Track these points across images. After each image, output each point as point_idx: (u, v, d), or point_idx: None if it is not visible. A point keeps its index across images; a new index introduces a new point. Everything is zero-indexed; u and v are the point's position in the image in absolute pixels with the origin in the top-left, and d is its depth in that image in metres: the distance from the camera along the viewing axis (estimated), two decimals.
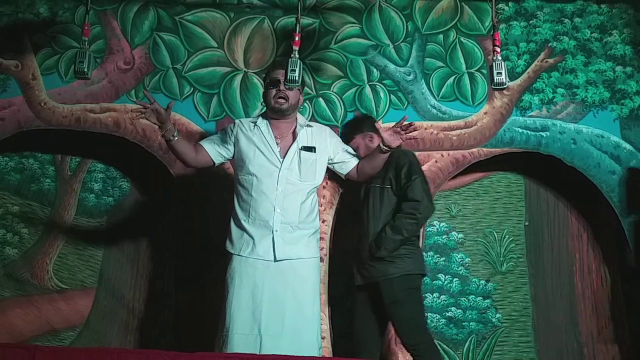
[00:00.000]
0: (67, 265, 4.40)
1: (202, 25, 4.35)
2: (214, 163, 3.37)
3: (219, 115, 4.26)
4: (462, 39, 4.37)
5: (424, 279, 3.88)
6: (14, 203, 4.44)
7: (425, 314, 3.87)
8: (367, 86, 4.32)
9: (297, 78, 3.20)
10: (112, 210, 4.51)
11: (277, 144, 3.24)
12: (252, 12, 4.35)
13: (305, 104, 4.22)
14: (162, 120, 3.19)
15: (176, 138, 3.23)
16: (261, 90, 4.21)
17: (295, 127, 3.30)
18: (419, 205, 3.48)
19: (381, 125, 3.36)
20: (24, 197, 4.46)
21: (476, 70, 4.34)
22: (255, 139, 3.24)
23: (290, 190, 3.17)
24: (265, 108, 3.46)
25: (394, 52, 4.36)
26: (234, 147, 3.30)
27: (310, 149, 3.26)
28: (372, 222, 3.57)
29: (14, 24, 4.26)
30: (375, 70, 4.34)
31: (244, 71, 4.33)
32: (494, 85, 3.42)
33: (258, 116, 3.36)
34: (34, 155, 4.51)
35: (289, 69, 3.19)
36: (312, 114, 4.26)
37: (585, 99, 4.29)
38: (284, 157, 3.20)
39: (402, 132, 3.21)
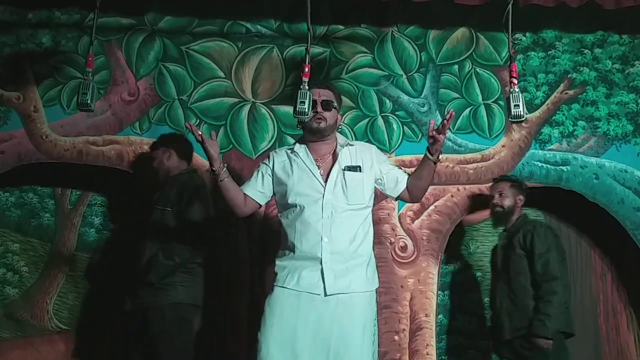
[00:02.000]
0: (67, 305, 4.39)
1: (209, 55, 4.38)
2: (260, 205, 3.23)
3: (226, 148, 4.24)
4: (478, 69, 4.40)
5: (439, 318, 3.85)
6: (14, 240, 4.45)
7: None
8: (380, 117, 4.34)
9: (306, 111, 3.14)
10: (112, 246, 4.47)
11: (319, 167, 3.08)
12: (260, 41, 4.37)
13: None
14: (216, 153, 3.04)
15: (226, 178, 3.06)
16: (270, 121, 4.31)
17: (336, 147, 3.14)
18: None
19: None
20: (24, 234, 4.46)
21: (493, 102, 4.36)
22: (294, 165, 3.09)
23: (337, 216, 2.98)
24: (301, 132, 3.26)
25: (407, 83, 4.39)
26: (272, 180, 3.15)
27: (355, 168, 3.09)
28: (148, 244, 3.57)
29: (16, 55, 4.29)
30: (387, 101, 4.37)
31: (252, 102, 4.35)
32: (511, 118, 3.35)
33: (294, 143, 3.22)
34: (34, 189, 4.52)
35: (299, 100, 3.14)
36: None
37: (607, 132, 4.31)
38: (326, 181, 3.03)
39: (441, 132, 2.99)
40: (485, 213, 4.38)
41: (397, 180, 3.13)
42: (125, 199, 4.49)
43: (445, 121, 2.93)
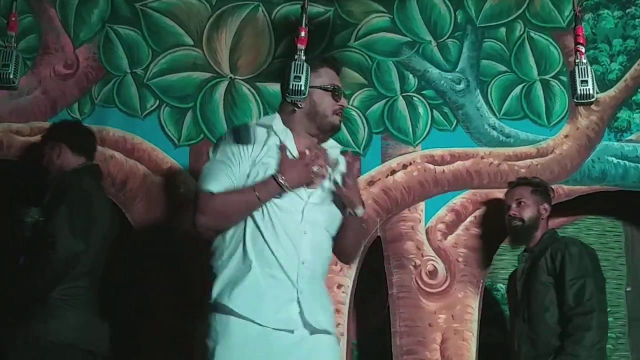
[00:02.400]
0: None
1: (172, 16, 4.40)
2: None
3: (194, 139, 4.26)
4: (532, 34, 4.40)
5: None
6: None
7: None
8: (401, 98, 4.35)
9: (303, 88, 3.09)
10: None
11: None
12: None
13: None
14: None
15: None
16: (253, 104, 4.34)
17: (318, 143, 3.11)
18: (55, 241, 3.40)
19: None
20: None
21: (552, 77, 4.37)
22: (272, 153, 2.99)
23: (318, 234, 2.98)
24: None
25: (438, 52, 4.40)
26: (240, 166, 3.00)
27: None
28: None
29: None
30: (411, 76, 4.38)
31: (230, 78, 4.36)
32: (577, 98, 3.30)
33: (272, 118, 3.09)
34: None
35: (293, 75, 3.08)
36: None
37: None
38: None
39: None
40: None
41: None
42: None
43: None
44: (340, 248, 3.12)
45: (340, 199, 3.02)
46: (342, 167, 3.06)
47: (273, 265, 2.88)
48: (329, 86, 3.10)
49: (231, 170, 2.93)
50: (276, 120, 3.06)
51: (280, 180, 2.88)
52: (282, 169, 2.91)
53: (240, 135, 3.01)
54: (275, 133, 3.00)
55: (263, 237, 2.89)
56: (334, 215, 3.05)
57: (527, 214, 3.88)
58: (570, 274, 3.66)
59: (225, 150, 2.97)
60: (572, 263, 3.68)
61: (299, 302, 2.87)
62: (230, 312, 2.84)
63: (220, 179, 2.90)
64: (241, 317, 2.84)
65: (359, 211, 3.04)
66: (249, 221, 2.92)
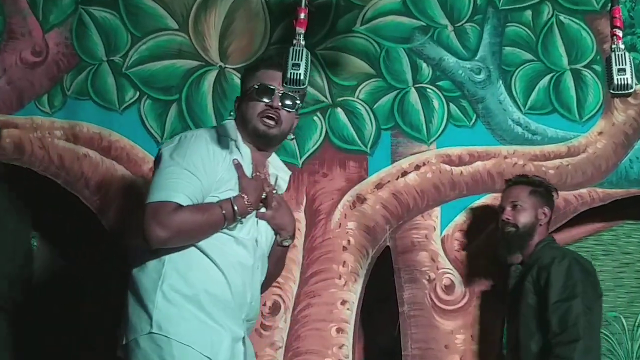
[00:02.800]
0: None
1: None
2: None
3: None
4: (562, 17, 4.40)
5: None
6: None
7: None
8: (413, 90, 4.35)
9: (302, 77, 3.03)
10: (13, 282, 4.45)
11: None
12: None
13: (316, 118, 4.25)
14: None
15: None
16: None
17: (267, 165, 3.19)
18: None
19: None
20: None
21: (585, 67, 4.38)
22: (231, 169, 3.01)
23: (263, 268, 3.09)
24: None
25: (455, 38, 4.39)
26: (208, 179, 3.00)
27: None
28: None
29: None
30: (425, 65, 4.37)
31: (220, 66, 4.36)
32: (613, 89, 3.22)
33: (234, 130, 3.11)
34: None
35: (291, 62, 3.03)
36: (326, 132, 4.26)
37: None
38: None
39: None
40: (579, 231, 4.45)
41: None
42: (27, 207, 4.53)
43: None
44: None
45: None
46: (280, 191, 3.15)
47: (227, 306, 2.90)
48: (257, 85, 3.09)
49: (199, 182, 2.89)
50: (239, 134, 3.08)
51: (246, 202, 2.91)
52: (243, 189, 2.93)
53: (208, 141, 3.01)
54: (238, 149, 3.04)
55: (218, 274, 2.90)
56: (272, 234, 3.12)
57: (523, 219, 3.85)
58: (554, 296, 3.61)
59: (192, 158, 2.92)
60: (557, 282, 3.63)
61: (244, 343, 2.97)
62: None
63: (186, 189, 2.86)
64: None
65: (287, 243, 3.14)
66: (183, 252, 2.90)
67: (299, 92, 3.01)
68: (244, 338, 2.97)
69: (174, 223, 2.80)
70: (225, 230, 2.91)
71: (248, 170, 3.03)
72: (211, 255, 2.89)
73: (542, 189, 3.93)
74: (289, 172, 3.24)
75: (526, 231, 3.84)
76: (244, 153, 3.05)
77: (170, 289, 2.84)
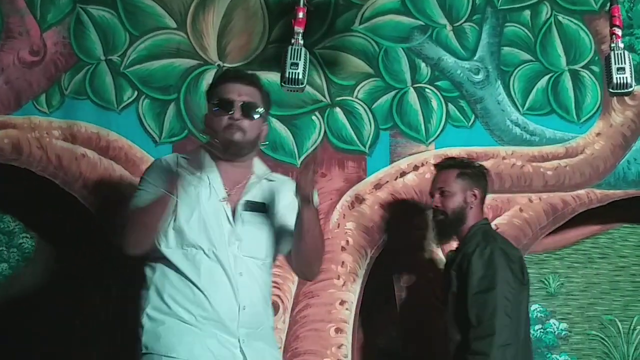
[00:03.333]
0: None
1: None
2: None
3: (178, 135, 4.27)
4: (560, 17, 4.40)
5: None
6: None
7: None
8: (412, 90, 4.35)
9: (301, 77, 3.18)
10: (7, 284, 4.50)
11: (227, 201, 3.17)
12: None
13: (315, 118, 4.24)
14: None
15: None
16: None
17: (250, 177, 3.24)
18: None
19: None
20: None
21: (583, 67, 4.38)
22: (202, 193, 3.14)
23: (252, 272, 3.12)
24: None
25: (454, 38, 4.39)
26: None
27: (258, 206, 3.20)
28: None
29: None
30: (424, 65, 4.37)
31: (219, 65, 4.34)
32: (612, 88, 3.37)
33: (198, 150, 3.28)
34: None
35: (289, 61, 3.17)
36: (325, 132, 4.25)
37: None
38: (235, 221, 3.14)
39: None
40: (576, 233, 4.48)
41: (289, 236, 3.23)
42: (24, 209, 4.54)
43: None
44: (294, 249, 3.22)
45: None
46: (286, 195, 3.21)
47: (209, 318, 3.02)
48: (216, 101, 3.16)
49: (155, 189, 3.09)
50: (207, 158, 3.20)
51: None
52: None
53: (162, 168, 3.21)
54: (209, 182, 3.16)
55: (195, 290, 3.02)
56: (251, 232, 3.15)
57: (451, 204, 3.73)
58: (473, 287, 3.52)
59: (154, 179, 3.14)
60: (477, 273, 3.53)
61: (243, 354, 3.03)
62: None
63: (142, 195, 3.11)
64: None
65: (307, 204, 3.07)
66: (161, 270, 3.09)
67: (262, 96, 3.16)
68: (241, 347, 3.02)
69: (136, 222, 3.09)
70: (196, 248, 3.06)
71: (216, 182, 3.15)
72: (187, 273, 3.03)
73: (470, 170, 3.79)
74: (267, 172, 3.29)
75: (456, 217, 3.72)
76: (208, 164, 3.18)
77: (153, 309, 3.05)
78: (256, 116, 3.14)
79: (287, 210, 3.21)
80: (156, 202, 3.04)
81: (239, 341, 3.03)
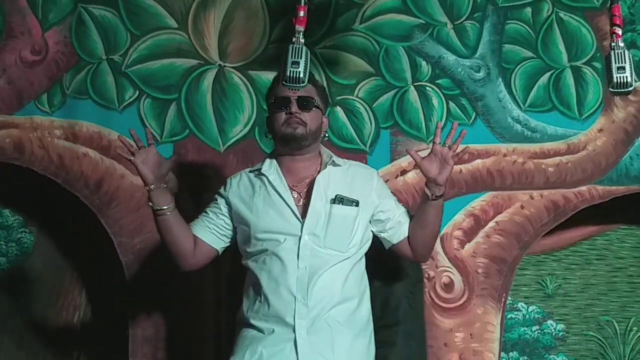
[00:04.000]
0: None
1: None
2: (218, 252, 3.41)
3: (179, 134, 4.28)
4: (561, 14, 4.39)
5: None
6: None
7: None
8: (412, 89, 4.34)
9: (302, 75, 3.14)
10: (6, 278, 4.54)
11: (295, 195, 3.27)
12: None
13: None
14: (152, 174, 3.21)
15: (169, 212, 3.22)
16: (245, 94, 4.32)
17: (320, 167, 3.33)
18: None
19: (414, 151, 3.31)
20: None
21: (584, 64, 4.36)
22: (260, 193, 3.29)
23: (319, 266, 3.17)
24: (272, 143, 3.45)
25: (455, 36, 4.38)
26: (231, 215, 3.37)
27: (350, 201, 3.26)
28: None
29: None
30: (424, 63, 4.36)
31: (219, 65, 4.35)
32: (613, 87, 3.27)
33: (263, 160, 3.39)
34: None
35: (290, 60, 3.15)
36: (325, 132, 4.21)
37: None
38: (304, 217, 3.20)
39: (453, 153, 3.23)
40: (573, 234, 4.46)
41: (399, 224, 3.34)
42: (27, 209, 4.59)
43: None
44: (416, 237, 3.33)
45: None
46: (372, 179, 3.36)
47: (269, 312, 3.15)
48: (273, 99, 3.31)
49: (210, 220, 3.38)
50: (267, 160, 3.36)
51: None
52: None
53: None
54: (260, 173, 3.32)
55: (259, 287, 3.17)
56: (338, 226, 3.22)
57: None
58: (378, 279, 3.57)
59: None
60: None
61: (295, 344, 3.10)
62: None
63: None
64: None
65: (439, 193, 3.24)
66: (248, 271, 3.27)
67: (317, 91, 3.31)
68: (296, 339, 3.09)
69: None
70: (260, 245, 3.21)
71: (278, 183, 3.26)
72: (255, 272, 3.20)
73: None
74: (331, 156, 3.37)
75: None
76: (267, 170, 3.31)
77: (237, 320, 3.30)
78: (312, 108, 3.27)
79: (373, 202, 3.31)
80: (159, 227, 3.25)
81: (293, 331, 3.10)
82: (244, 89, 4.32)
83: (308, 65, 3.15)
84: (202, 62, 4.35)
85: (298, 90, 3.18)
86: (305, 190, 3.28)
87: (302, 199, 3.25)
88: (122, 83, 4.32)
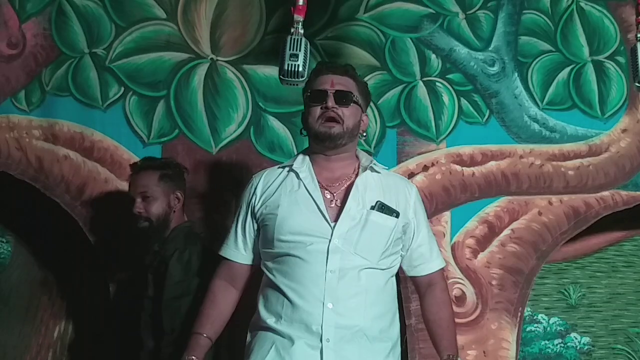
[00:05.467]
0: None
1: None
2: (255, 266, 3.38)
3: (168, 134, 4.20)
4: (582, 4, 4.37)
5: None
6: None
7: None
8: (421, 84, 4.28)
9: (301, 69, 3.16)
10: None
11: (329, 196, 3.19)
12: None
13: None
14: None
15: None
16: (240, 91, 4.24)
17: (358, 170, 3.27)
18: None
19: None
20: None
21: (607, 58, 4.33)
22: (288, 191, 3.22)
23: (349, 272, 3.10)
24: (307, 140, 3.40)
25: (467, 27, 4.33)
26: (257, 217, 3.31)
27: (391, 211, 3.19)
28: None
29: None
30: (434, 57, 4.31)
31: (212, 59, 4.29)
32: (639, 83, 3.34)
33: (296, 156, 3.35)
34: None
35: (288, 52, 3.15)
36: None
37: None
38: (336, 220, 3.12)
39: None
40: (598, 240, 4.45)
41: (422, 259, 3.33)
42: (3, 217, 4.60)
43: None
44: (428, 315, 3.39)
45: None
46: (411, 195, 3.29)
47: (294, 317, 3.08)
48: (309, 92, 3.24)
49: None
50: (299, 156, 3.31)
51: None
52: None
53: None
54: (293, 170, 3.24)
55: (281, 291, 3.10)
56: (373, 234, 3.14)
57: (155, 210, 3.71)
58: (167, 292, 3.55)
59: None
60: (172, 278, 3.54)
61: (321, 353, 3.03)
62: None
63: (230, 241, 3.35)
64: None
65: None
66: (267, 272, 3.21)
67: (357, 86, 3.22)
68: (322, 348, 3.03)
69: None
70: (283, 250, 3.14)
71: (309, 182, 3.19)
72: (276, 274, 3.13)
73: (172, 172, 3.80)
74: (371, 160, 3.29)
75: (161, 223, 3.72)
76: (299, 167, 3.24)
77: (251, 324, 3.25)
78: (349, 104, 3.18)
79: (408, 218, 3.26)
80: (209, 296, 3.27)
81: (320, 340, 3.04)
82: (238, 84, 4.25)
83: (307, 58, 3.21)
84: (192, 55, 4.30)
85: (336, 82, 3.16)
86: (340, 191, 3.21)
87: (334, 200, 3.18)
88: (106, 79, 4.25)
